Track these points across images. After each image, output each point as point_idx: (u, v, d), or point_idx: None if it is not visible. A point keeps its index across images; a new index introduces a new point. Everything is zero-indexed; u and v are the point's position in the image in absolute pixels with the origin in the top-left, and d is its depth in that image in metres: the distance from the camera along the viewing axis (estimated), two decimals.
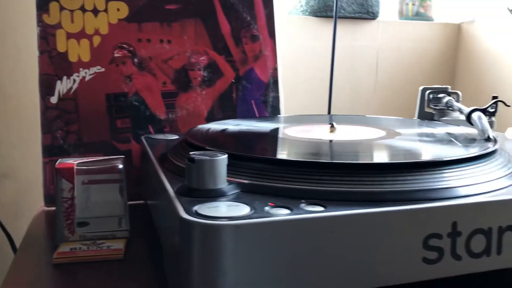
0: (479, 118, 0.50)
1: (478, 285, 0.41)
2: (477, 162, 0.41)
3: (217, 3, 0.72)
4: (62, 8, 0.66)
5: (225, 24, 0.73)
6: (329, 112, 1.03)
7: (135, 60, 0.69)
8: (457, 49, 1.50)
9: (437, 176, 0.37)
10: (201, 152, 0.38)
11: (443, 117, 0.66)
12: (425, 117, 0.67)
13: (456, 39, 1.49)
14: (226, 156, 0.37)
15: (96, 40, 0.67)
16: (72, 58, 0.66)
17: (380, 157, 0.43)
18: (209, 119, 0.71)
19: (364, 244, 0.33)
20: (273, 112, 0.75)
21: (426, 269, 0.35)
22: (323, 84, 1.16)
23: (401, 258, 0.34)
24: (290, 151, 0.46)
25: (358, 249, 0.33)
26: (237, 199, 0.36)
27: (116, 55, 0.68)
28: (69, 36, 0.66)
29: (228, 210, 0.33)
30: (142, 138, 0.62)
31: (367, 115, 0.70)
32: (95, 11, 0.67)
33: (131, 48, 0.69)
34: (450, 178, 0.38)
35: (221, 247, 0.31)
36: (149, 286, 0.44)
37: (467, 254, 0.36)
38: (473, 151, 0.42)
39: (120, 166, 0.53)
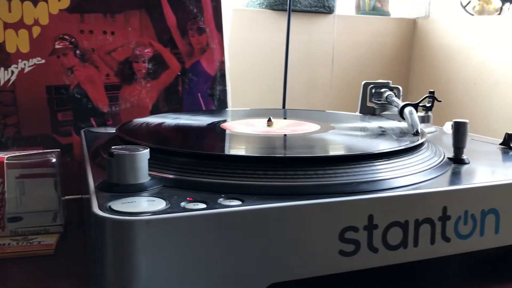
0: (410, 113, 0.51)
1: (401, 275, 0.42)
2: (400, 156, 0.42)
3: None
4: None
5: (171, 16, 0.72)
6: (283, 106, 1.03)
7: (77, 51, 0.67)
8: (412, 43, 1.52)
9: (356, 170, 0.38)
10: (123, 146, 0.37)
11: (384, 111, 0.67)
12: (367, 111, 0.68)
13: (411, 34, 1.52)
14: (147, 150, 0.36)
15: (36, 30, 0.66)
16: (10, 49, 0.64)
17: (302, 151, 0.43)
18: (154, 112, 0.71)
19: (280, 237, 0.34)
20: (220, 105, 0.74)
21: (343, 261, 0.36)
22: (280, 78, 1.17)
23: (317, 250, 0.35)
24: (218, 145, 0.46)
25: (275, 242, 0.34)
26: (158, 194, 0.35)
27: (57, 46, 0.66)
28: (6, 26, 0.64)
29: (143, 205, 0.33)
30: (82, 131, 0.61)
31: (313, 109, 0.71)
32: (35, 1, 0.65)
33: (73, 40, 0.67)
34: (369, 172, 0.39)
35: (132, 242, 0.30)
36: (78, 282, 0.43)
37: (383, 246, 0.37)
38: (396, 145, 0.43)
39: (54, 160, 0.52)
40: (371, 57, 1.45)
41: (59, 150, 0.55)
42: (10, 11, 0.64)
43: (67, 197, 0.58)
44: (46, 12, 0.66)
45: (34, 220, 0.52)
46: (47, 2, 0.66)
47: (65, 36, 0.67)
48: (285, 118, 0.60)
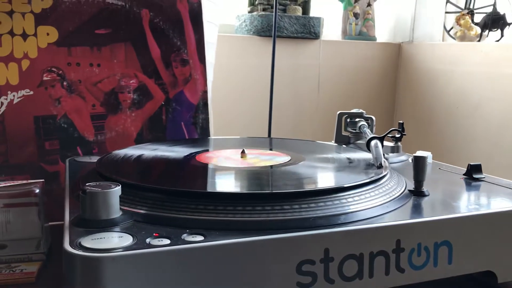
0: (375, 146, 0.54)
1: None
2: (359, 190, 0.45)
3: (147, 28, 0.75)
4: None
5: (155, 49, 0.75)
6: (269, 134, 1.06)
7: (64, 83, 0.70)
8: (397, 67, 1.56)
9: (314, 205, 0.41)
10: (96, 183, 0.40)
11: (358, 140, 0.70)
12: (342, 140, 0.71)
13: (396, 58, 1.56)
14: (118, 188, 0.39)
15: (25, 63, 0.69)
16: (0, 81, 0.67)
17: (263, 186, 0.46)
18: (138, 140, 0.73)
19: (240, 270, 0.36)
20: (202, 133, 0.77)
21: None
22: (267, 104, 1.20)
23: (276, 283, 0.37)
24: (186, 180, 0.48)
25: (235, 275, 0.36)
26: (127, 229, 0.38)
27: (45, 78, 0.69)
28: None
29: (111, 241, 0.35)
30: (66, 161, 0.63)
31: (290, 138, 0.73)
32: (24, 35, 0.69)
33: (60, 72, 0.70)
34: (328, 207, 0.41)
35: (99, 277, 0.33)
36: None
37: (339, 277, 0.39)
38: (356, 179, 0.46)
39: (37, 190, 0.55)
40: (357, 81, 1.49)
41: (43, 180, 0.58)
42: (0, 45, 0.67)
43: (53, 223, 0.60)
44: (35, 46, 0.69)
45: (18, 248, 0.54)
46: (36, 37, 0.69)
47: (53, 69, 0.70)
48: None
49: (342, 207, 0.42)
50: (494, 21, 1.39)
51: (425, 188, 0.49)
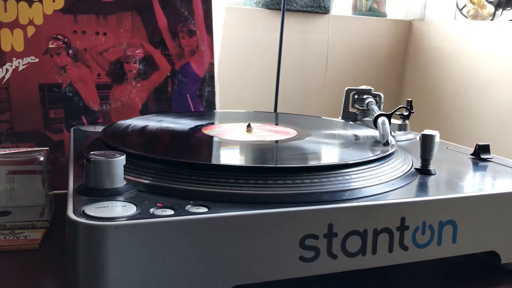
0: (383, 123, 0.53)
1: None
2: (365, 166, 0.44)
3: None
4: None
5: (162, 18, 0.74)
6: (275, 109, 1.06)
7: (70, 51, 0.69)
8: (407, 45, 1.54)
9: (319, 180, 0.40)
10: (101, 152, 0.40)
11: (365, 117, 0.69)
12: (349, 117, 0.70)
13: (406, 36, 1.53)
14: (123, 157, 0.39)
15: (31, 30, 0.68)
16: (5, 47, 0.67)
17: (267, 160, 0.45)
18: (143, 112, 0.73)
19: (243, 243, 0.36)
20: (208, 106, 0.77)
21: (303, 266, 0.38)
22: (275, 78, 1.19)
23: (279, 256, 0.37)
24: (191, 152, 0.48)
25: (239, 248, 0.36)
26: (131, 199, 0.38)
27: (50, 46, 0.69)
28: (2, 25, 0.66)
29: (115, 210, 0.35)
30: (71, 129, 0.63)
31: (296, 114, 0.73)
32: (30, 1, 0.67)
33: (66, 40, 0.69)
34: (333, 183, 0.41)
35: (102, 245, 0.33)
36: (59, 278, 0.46)
37: (342, 253, 0.39)
38: (362, 156, 0.45)
39: (42, 158, 0.55)
40: (366, 58, 1.47)
41: (47, 148, 0.57)
42: (6, 11, 0.67)
43: (57, 191, 0.60)
44: (40, 12, 0.68)
45: (22, 215, 0.54)
46: (42, 3, 0.68)
47: (58, 36, 0.69)
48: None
49: (347, 183, 0.42)
50: (509, 0, 1.36)
51: (431, 167, 0.49)
